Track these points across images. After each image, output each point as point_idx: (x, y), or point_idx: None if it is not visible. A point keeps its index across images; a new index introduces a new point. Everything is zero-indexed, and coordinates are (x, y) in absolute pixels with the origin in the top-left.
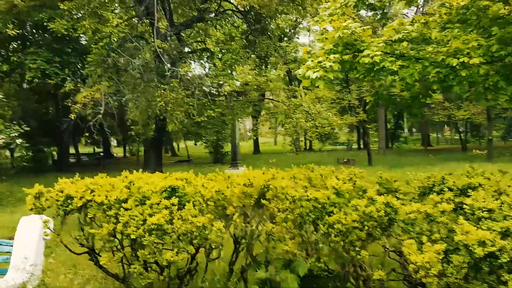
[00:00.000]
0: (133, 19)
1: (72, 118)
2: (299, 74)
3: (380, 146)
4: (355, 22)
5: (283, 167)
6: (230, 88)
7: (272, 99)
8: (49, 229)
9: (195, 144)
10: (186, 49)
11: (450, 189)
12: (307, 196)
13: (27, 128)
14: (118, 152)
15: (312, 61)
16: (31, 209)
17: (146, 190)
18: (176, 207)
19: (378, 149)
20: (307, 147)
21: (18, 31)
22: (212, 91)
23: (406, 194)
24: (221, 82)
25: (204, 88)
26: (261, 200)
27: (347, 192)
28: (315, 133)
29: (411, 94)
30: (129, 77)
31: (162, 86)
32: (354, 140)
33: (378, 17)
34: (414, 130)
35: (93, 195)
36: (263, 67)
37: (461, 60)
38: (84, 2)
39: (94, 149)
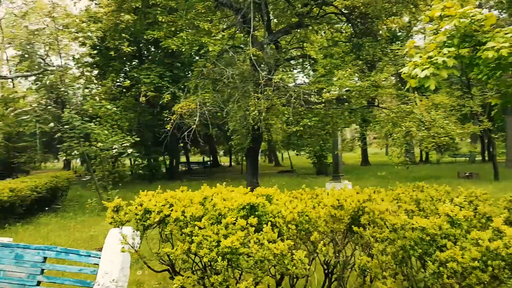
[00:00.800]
0: (232, 28)
1: (168, 128)
2: (404, 73)
3: (508, 158)
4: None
5: (394, 181)
6: (329, 95)
7: (377, 106)
8: (128, 244)
9: (297, 155)
10: (286, 56)
11: None
12: (412, 224)
13: (137, 139)
14: (225, 161)
15: (420, 57)
16: (110, 223)
17: (222, 208)
18: (254, 228)
19: (506, 162)
20: (423, 159)
21: (133, 48)
22: (309, 99)
23: None
24: (323, 89)
25: (300, 95)
26: (352, 226)
27: (466, 220)
28: (431, 143)
29: None
30: (224, 87)
31: (256, 95)
32: (477, 151)
33: (505, 7)
34: None
35: (171, 210)
36: (370, 71)
37: None
38: (182, 14)
39: (203, 158)
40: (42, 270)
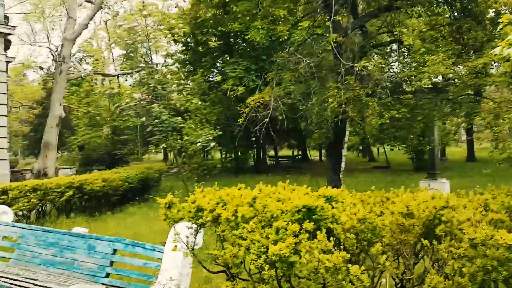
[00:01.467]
0: (311, 16)
1: (240, 122)
2: (496, 54)
3: None
4: None
5: (502, 180)
6: (421, 83)
7: (475, 95)
8: (182, 241)
9: (392, 149)
10: (375, 42)
11: None
12: (496, 240)
13: (220, 133)
14: (314, 155)
15: None
16: (164, 220)
17: (274, 209)
18: (307, 235)
19: None
20: None
21: (219, 43)
22: (400, 89)
23: None
24: (414, 77)
25: (386, 84)
26: (422, 239)
27: None
28: None
29: None
30: (301, 78)
31: (335, 85)
32: None
33: None
34: None
35: (225, 209)
36: (472, 56)
37: None
38: (257, 1)
39: (292, 152)
40: (112, 261)
